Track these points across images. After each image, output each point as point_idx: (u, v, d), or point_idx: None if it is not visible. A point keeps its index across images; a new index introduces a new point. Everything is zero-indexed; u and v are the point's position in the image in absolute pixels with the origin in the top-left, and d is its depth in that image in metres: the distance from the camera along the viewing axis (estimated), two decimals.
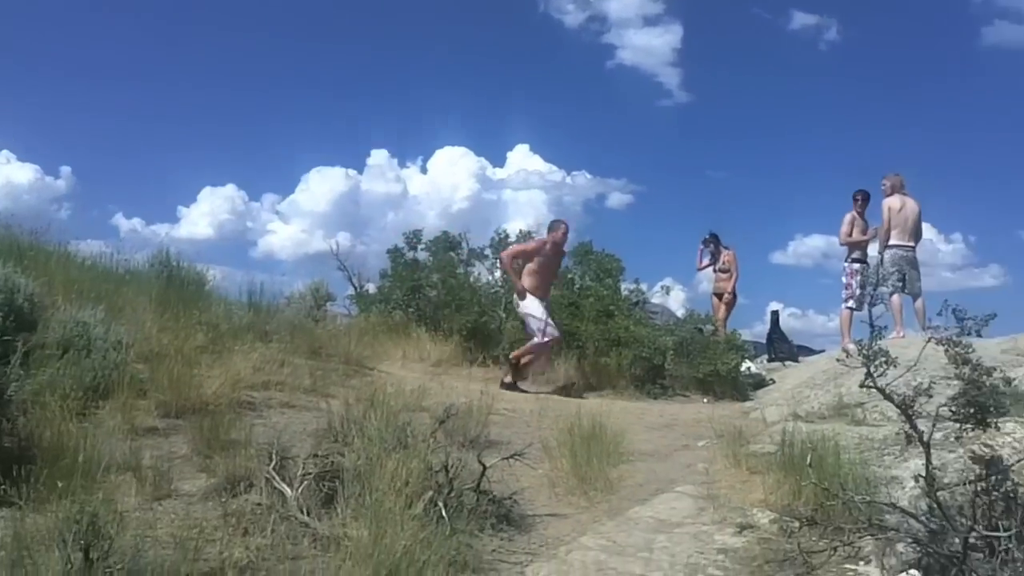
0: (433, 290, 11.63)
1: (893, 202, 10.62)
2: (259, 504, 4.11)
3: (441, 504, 4.12)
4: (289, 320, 8.62)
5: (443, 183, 33.77)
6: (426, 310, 11.35)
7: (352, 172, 35.09)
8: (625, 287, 12.07)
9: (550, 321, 9.55)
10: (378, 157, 35.11)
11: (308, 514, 4.06)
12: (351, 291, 13.41)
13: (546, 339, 9.44)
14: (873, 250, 10.95)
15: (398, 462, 4.25)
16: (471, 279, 11.95)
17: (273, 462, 4.40)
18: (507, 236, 12.16)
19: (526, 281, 9.60)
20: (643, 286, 12.45)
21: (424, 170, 35.65)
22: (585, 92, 42.45)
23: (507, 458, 4.85)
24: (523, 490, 4.93)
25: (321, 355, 7.84)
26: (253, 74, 39.51)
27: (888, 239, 10.55)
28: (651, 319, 12.08)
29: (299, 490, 4.22)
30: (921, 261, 10.86)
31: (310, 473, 4.36)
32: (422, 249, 12.38)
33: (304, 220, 34.40)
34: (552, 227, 10.00)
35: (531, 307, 9.53)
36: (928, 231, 12.01)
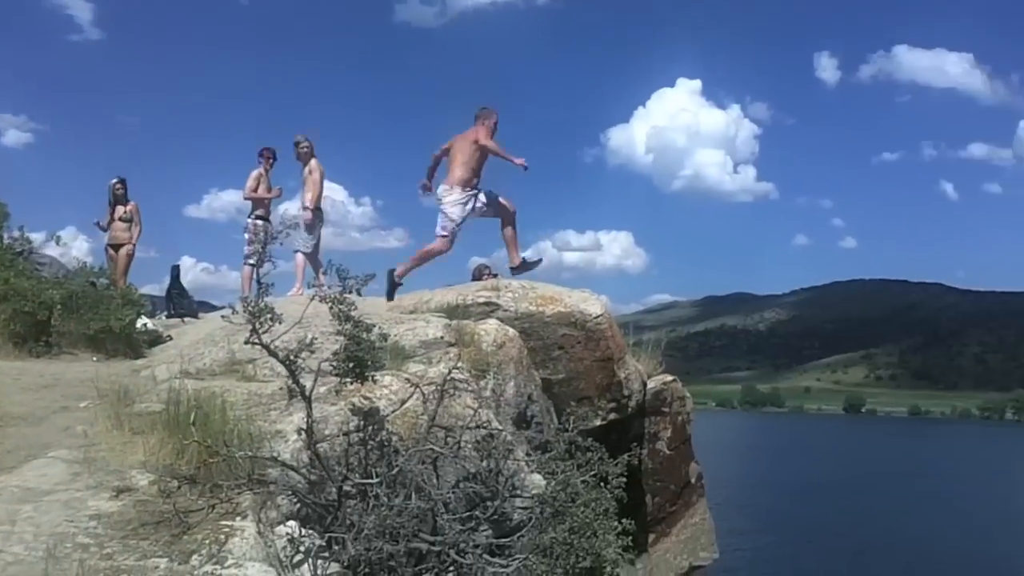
0: None
1: (320, 164, 11.37)
2: None
3: None
4: None
5: None
6: None
7: None
8: (8, 236, 11.08)
9: (458, 229, 9.53)
10: None
11: None
12: None
13: (435, 245, 9.53)
14: (294, 207, 11.56)
15: None
16: None
17: None
18: None
19: (460, 172, 9.40)
20: (32, 235, 11.57)
21: None
22: None
23: None
24: None
25: None
26: None
27: (319, 199, 11.25)
28: (38, 271, 11.27)
29: None
30: (331, 221, 11.68)
31: None
32: None
33: None
34: (484, 115, 9.65)
35: (454, 207, 9.42)
36: (339, 193, 13.12)
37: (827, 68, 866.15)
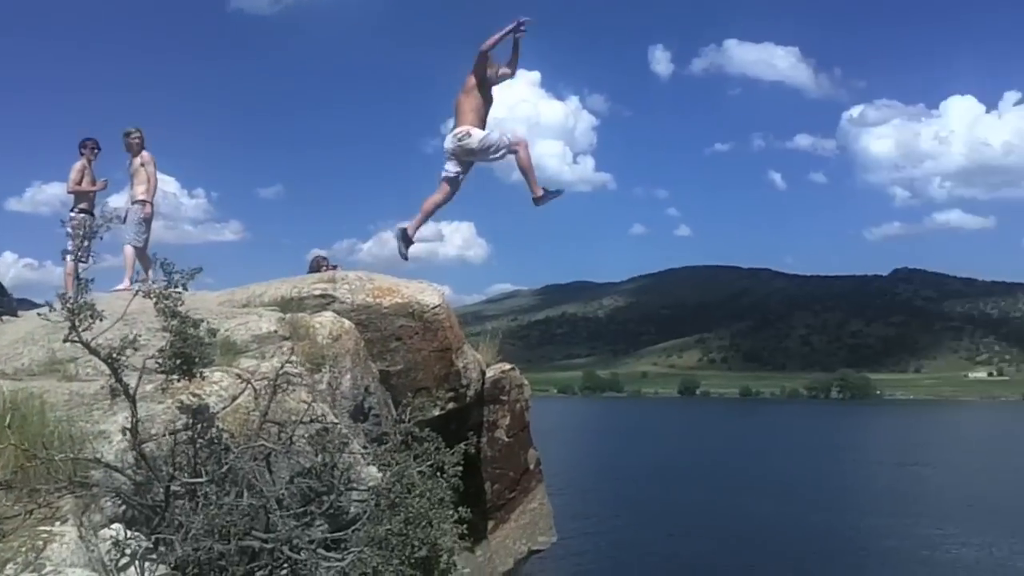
0: None
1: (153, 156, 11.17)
2: None
3: None
4: None
5: None
6: None
7: None
8: None
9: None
10: None
11: None
12: None
13: (521, 139, 9.11)
14: (119, 200, 11.30)
15: None
16: None
17: None
18: None
19: (469, 118, 8.87)
20: None
21: None
22: None
23: None
24: None
25: None
26: None
27: (155, 191, 11.05)
28: None
29: None
30: (162, 214, 11.42)
31: None
32: None
33: None
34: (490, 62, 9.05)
35: (481, 133, 8.87)
36: (171, 185, 12.88)
37: (661, 61, 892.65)
